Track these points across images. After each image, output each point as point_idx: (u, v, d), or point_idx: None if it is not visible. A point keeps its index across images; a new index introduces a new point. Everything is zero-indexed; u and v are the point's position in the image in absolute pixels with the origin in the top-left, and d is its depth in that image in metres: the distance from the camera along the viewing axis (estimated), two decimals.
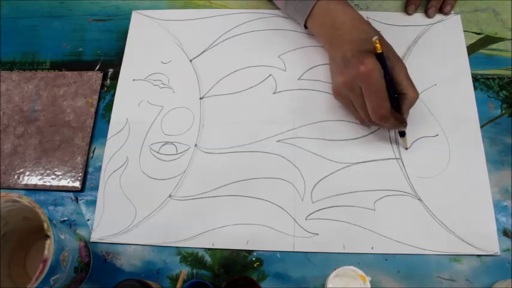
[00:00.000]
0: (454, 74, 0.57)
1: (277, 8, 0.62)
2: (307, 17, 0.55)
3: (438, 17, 0.61)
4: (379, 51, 0.46)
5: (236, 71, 0.59)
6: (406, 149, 0.53)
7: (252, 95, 0.58)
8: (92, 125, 0.58)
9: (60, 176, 0.55)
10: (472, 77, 0.57)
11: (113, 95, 0.60)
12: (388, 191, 0.52)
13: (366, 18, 0.61)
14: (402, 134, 0.53)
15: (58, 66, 0.63)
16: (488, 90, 0.57)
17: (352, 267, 0.45)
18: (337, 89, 0.52)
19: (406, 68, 0.50)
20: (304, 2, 0.54)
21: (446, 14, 0.61)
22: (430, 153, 0.53)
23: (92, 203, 0.54)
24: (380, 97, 0.47)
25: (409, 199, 0.51)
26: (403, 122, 0.50)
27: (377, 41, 0.46)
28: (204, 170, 0.54)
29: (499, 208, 0.51)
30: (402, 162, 0.53)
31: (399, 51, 0.58)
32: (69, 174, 0.55)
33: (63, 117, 0.59)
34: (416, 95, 0.49)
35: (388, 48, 0.50)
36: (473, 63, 0.58)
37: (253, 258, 0.50)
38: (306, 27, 0.57)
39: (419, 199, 0.51)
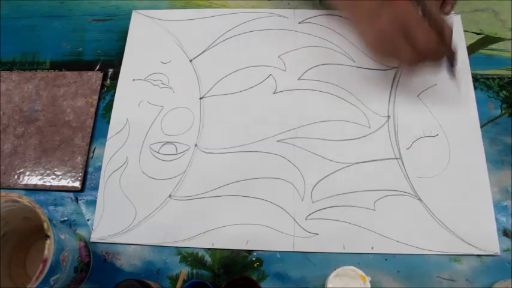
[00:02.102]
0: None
1: (276, 7, 0.62)
2: None
3: None
4: None
5: (236, 71, 0.59)
6: (459, 86, 0.52)
7: (252, 95, 0.58)
8: (92, 125, 0.58)
9: (60, 176, 0.55)
10: (472, 77, 0.57)
11: (113, 95, 0.60)
12: (388, 191, 0.52)
13: None
14: (452, 73, 0.51)
15: (58, 66, 0.63)
16: (488, 90, 0.57)
17: (352, 267, 0.45)
18: (376, 39, 0.50)
19: (434, 4, 0.49)
20: None
21: (446, 14, 0.61)
22: (430, 153, 0.53)
23: (92, 203, 0.54)
24: (424, 29, 0.46)
25: (409, 199, 0.51)
26: (452, 51, 0.49)
27: None
28: (204, 170, 0.54)
29: (499, 208, 0.51)
30: (402, 162, 0.53)
31: None
32: (69, 174, 0.55)
33: (63, 117, 0.59)
34: (451, 29, 0.48)
35: None
36: (473, 63, 0.58)
37: (253, 258, 0.50)
38: None
39: (419, 199, 0.51)
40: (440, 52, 0.48)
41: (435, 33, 0.47)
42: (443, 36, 0.48)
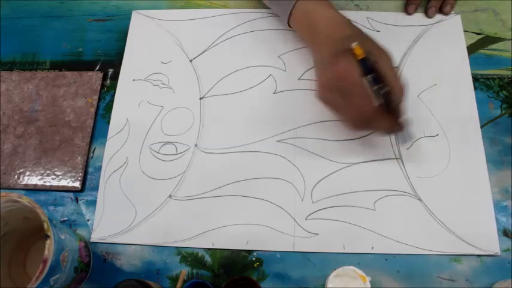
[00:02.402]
0: (454, 74, 0.57)
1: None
2: (288, 18, 0.54)
3: (438, 17, 0.61)
4: (360, 57, 0.43)
5: (236, 71, 0.59)
6: (407, 148, 0.53)
7: (252, 95, 0.58)
8: (92, 125, 0.58)
9: (60, 176, 0.55)
10: (472, 77, 0.57)
11: (113, 95, 0.60)
12: (388, 191, 0.52)
13: (366, 19, 0.61)
14: (403, 141, 0.51)
15: (58, 66, 0.63)
16: (488, 90, 0.57)
17: (352, 267, 0.45)
18: (318, 92, 0.48)
19: (391, 59, 0.46)
20: (284, 2, 0.53)
21: (446, 14, 0.61)
22: (430, 153, 0.53)
23: (92, 203, 0.54)
24: (359, 96, 0.44)
25: (409, 199, 0.51)
26: (396, 124, 0.46)
27: (356, 47, 0.43)
28: (204, 170, 0.54)
29: (499, 208, 0.51)
30: (402, 162, 0.53)
31: (399, 51, 0.59)
32: (69, 174, 0.55)
33: (63, 117, 0.59)
34: (401, 87, 0.45)
35: (370, 44, 0.46)
36: (473, 63, 0.58)
37: (253, 258, 0.50)
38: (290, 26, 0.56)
39: (419, 199, 0.51)
40: (375, 122, 0.46)
41: (372, 100, 0.44)
42: (390, 102, 0.45)
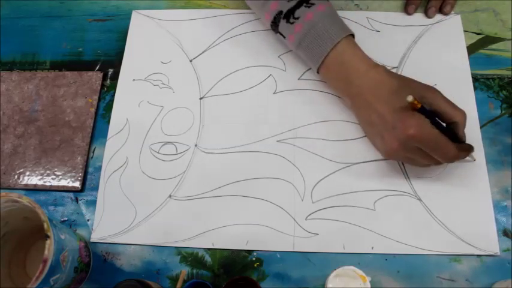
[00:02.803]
0: (454, 74, 0.57)
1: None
2: (319, 66, 0.52)
3: (438, 17, 0.61)
4: (418, 106, 0.44)
5: (236, 71, 0.59)
6: (474, 160, 0.51)
7: (252, 95, 0.58)
8: (92, 125, 0.58)
9: (60, 176, 0.55)
10: (472, 77, 0.57)
11: (113, 95, 0.60)
12: (388, 191, 0.52)
13: (366, 19, 0.61)
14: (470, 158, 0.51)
15: (58, 66, 0.63)
16: (488, 90, 0.57)
17: (352, 267, 0.45)
18: (389, 153, 0.48)
19: (439, 92, 0.47)
20: (316, 50, 0.50)
21: (446, 14, 0.61)
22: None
23: (92, 203, 0.54)
24: (442, 145, 0.44)
25: (409, 199, 0.51)
26: (469, 149, 0.48)
27: (414, 100, 0.43)
28: (204, 170, 0.54)
29: (499, 208, 0.51)
30: (402, 162, 0.53)
31: (399, 51, 0.59)
32: (69, 174, 0.55)
33: (63, 117, 0.59)
34: (463, 115, 0.46)
35: (416, 86, 0.47)
36: (473, 63, 0.58)
37: (253, 258, 0.50)
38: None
39: (419, 199, 0.51)
40: (460, 157, 0.47)
41: (451, 143, 0.45)
42: (457, 133, 0.47)
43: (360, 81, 0.49)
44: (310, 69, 0.58)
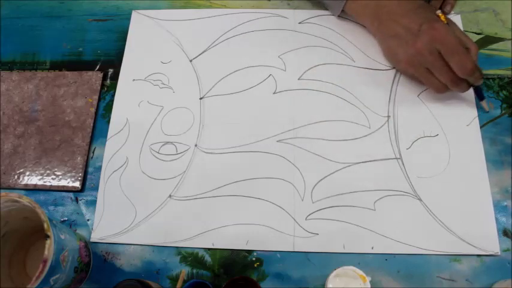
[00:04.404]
0: None
1: (277, 7, 0.63)
2: (346, 0, 0.57)
3: None
4: (445, 22, 0.50)
5: (236, 71, 0.59)
6: (488, 111, 0.55)
7: (252, 95, 0.58)
8: (92, 125, 0.58)
9: (60, 176, 0.55)
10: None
11: (113, 95, 0.60)
12: (388, 191, 0.52)
13: None
14: (482, 98, 0.54)
15: (58, 66, 0.63)
16: (488, 90, 0.57)
17: (352, 267, 0.45)
18: (411, 59, 0.52)
19: (458, 26, 0.53)
20: None
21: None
22: (430, 153, 0.53)
23: (92, 203, 0.54)
24: (462, 52, 0.49)
25: (409, 199, 0.51)
26: (482, 74, 0.51)
27: (441, 14, 0.51)
28: (204, 170, 0.54)
29: (499, 208, 0.51)
30: (402, 162, 0.53)
31: None
32: (69, 174, 0.55)
33: (63, 117, 0.59)
34: (476, 46, 0.51)
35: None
36: None
37: (253, 258, 0.50)
38: (342, 11, 0.59)
39: (419, 199, 0.51)
40: (476, 72, 0.50)
41: (470, 55, 0.49)
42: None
43: (387, 1, 0.54)
44: (310, 69, 0.58)
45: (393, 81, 0.57)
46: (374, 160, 0.53)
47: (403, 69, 0.56)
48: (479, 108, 0.55)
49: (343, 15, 0.60)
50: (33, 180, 0.55)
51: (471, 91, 0.55)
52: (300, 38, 0.61)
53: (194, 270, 0.50)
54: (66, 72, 0.62)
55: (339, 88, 0.57)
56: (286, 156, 0.54)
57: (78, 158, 0.56)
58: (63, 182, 0.55)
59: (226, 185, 0.53)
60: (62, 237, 0.44)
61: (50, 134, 0.58)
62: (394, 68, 0.58)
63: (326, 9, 0.61)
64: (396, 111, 0.56)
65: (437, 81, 0.52)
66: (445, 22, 0.50)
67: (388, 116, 0.56)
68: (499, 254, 0.49)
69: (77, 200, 0.55)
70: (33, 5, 0.67)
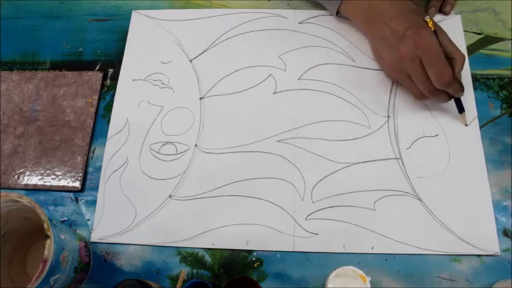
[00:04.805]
0: None
1: (277, 7, 0.63)
2: (341, 1, 0.57)
3: (438, 17, 0.61)
4: (433, 28, 0.49)
5: (236, 71, 0.59)
6: (466, 125, 0.54)
7: (252, 95, 0.58)
8: (92, 125, 0.58)
9: (60, 176, 0.55)
10: (472, 77, 0.57)
11: (113, 95, 0.60)
12: (388, 191, 0.52)
13: None
14: (461, 111, 0.53)
15: (58, 66, 0.63)
16: (488, 90, 0.57)
17: (352, 267, 0.45)
18: (393, 64, 0.53)
19: (447, 34, 0.52)
20: None
21: (446, 14, 0.61)
22: (430, 153, 0.53)
23: (92, 203, 0.54)
24: (442, 63, 0.48)
25: (409, 199, 0.51)
26: (462, 86, 0.51)
27: (429, 20, 0.50)
28: (204, 170, 0.54)
29: (499, 208, 0.51)
30: (402, 162, 0.53)
31: None
32: (69, 174, 0.55)
33: (63, 117, 0.59)
34: (463, 56, 0.51)
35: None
36: (473, 63, 0.58)
37: (253, 258, 0.50)
38: (337, 12, 0.59)
39: (419, 199, 0.51)
40: (453, 85, 0.49)
41: (449, 67, 0.49)
42: (454, 69, 0.50)
43: (379, 3, 0.53)
44: (310, 69, 0.58)
45: (393, 81, 0.57)
46: (374, 160, 0.53)
47: (387, 72, 0.56)
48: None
49: (340, 15, 0.60)
50: (33, 180, 0.55)
51: (470, 88, 0.56)
52: (300, 38, 0.61)
53: (194, 270, 0.50)
54: (66, 72, 0.62)
55: (339, 88, 0.57)
56: (286, 156, 0.54)
57: (78, 158, 0.56)
58: (63, 182, 0.55)
59: (226, 185, 0.53)
60: (62, 237, 0.44)
61: (50, 134, 0.58)
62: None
63: (325, 9, 0.61)
64: (396, 111, 0.56)
65: (417, 88, 0.52)
66: (433, 29, 0.49)
67: (388, 116, 0.56)
68: (499, 254, 0.49)
69: (77, 200, 0.55)
70: (33, 5, 0.67)
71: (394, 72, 0.54)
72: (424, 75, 0.50)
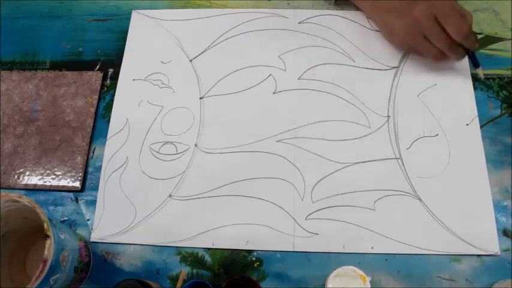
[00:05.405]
0: (454, 74, 0.57)
1: (277, 7, 0.63)
2: None
3: None
4: None
5: (236, 71, 0.59)
6: (482, 79, 0.56)
7: (252, 95, 0.58)
8: (92, 125, 0.58)
9: (60, 176, 0.55)
10: (472, 77, 0.57)
11: (113, 95, 0.60)
12: (388, 191, 0.52)
13: (366, 20, 0.62)
14: (476, 65, 0.54)
15: (58, 66, 0.63)
16: (488, 90, 0.57)
17: (352, 267, 0.45)
18: (407, 29, 0.53)
19: None
20: None
21: None
22: (430, 153, 0.53)
23: (92, 203, 0.54)
24: (458, 16, 0.50)
25: (409, 199, 0.51)
26: (477, 38, 0.52)
27: None
28: (204, 170, 0.54)
29: (499, 208, 0.51)
30: (402, 162, 0.53)
31: (399, 51, 0.59)
32: (69, 174, 0.55)
33: (63, 117, 0.59)
34: (470, 14, 0.51)
35: None
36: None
37: (253, 258, 0.50)
38: None
39: (419, 199, 0.51)
40: (471, 37, 0.51)
41: (465, 18, 0.50)
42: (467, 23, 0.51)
43: None
44: (310, 69, 0.58)
45: (393, 81, 0.57)
46: (374, 160, 0.53)
47: (401, 41, 0.56)
48: (474, 75, 0.56)
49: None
50: (33, 180, 0.55)
51: (470, 88, 0.55)
52: (300, 38, 0.61)
53: (194, 270, 0.50)
54: (66, 72, 0.62)
55: (339, 88, 0.57)
56: (286, 156, 0.54)
57: (78, 158, 0.56)
58: (63, 182, 0.55)
59: (226, 185, 0.53)
60: (62, 237, 0.44)
61: (50, 134, 0.58)
62: (394, 67, 0.58)
63: (324, 6, 0.61)
64: (396, 111, 0.56)
65: (435, 48, 0.53)
66: None
67: (388, 116, 0.56)
68: (499, 254, 0.49)
69: (77, 200, 0.55)
70: (33, 5, 0.67)
71: (409, 37, 0.54)
72: (441, 32, 0.51)
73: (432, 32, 0.51)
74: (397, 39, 0.57)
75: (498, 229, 0.49)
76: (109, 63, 0.62)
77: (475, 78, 0.57)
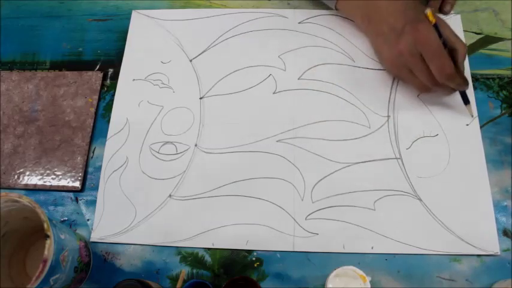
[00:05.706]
0: None
1: (277, 7, 0.63)
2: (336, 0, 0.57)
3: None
4: (434, 21, 0.48)
5: (236, 71, 0.59)
6: (472, 116, 0.54)
7: (252, 95, 0.58)
8: (92, 125, 0.58)
9: (60, 176, 0.55)
10: (472, 77, 0.57)
11: (113, 95, 0.60)
12: (388, 191, 0.52)
13: None
14: (466, 102, 0.53)
15: (58, 66, 0.63)
16: (488, 90, 0.57)
17: (352, 267, 0.45)
18: (393, 59, 0.53)
19: (448, 25, 0.51)
20: None
21: (446, 13, 0.61)
22: (430, 153, 0.53)
23: (92, 203, 0.54)
24: (443, 56, 0.48)
25: (409, 199, 0.51)
26: (465, 80, 0.51)
27: (429, 13, 0.49)
28: (204, 170, 0.54)
29: (499, 208, 0.51)
30: (402, 162, 0.53)
31: None
32: (69, 174, 0.55)
33: (63, 117, 0.59)
34: (465, 46, 0.50)
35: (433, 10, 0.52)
36: (473, 63, 0.58)
37: (253, 258, 0.50)
38: (335, 8, 0.59)
39: (419, 199, 0.51)
40: (455, 79, 0.49)
41: (451, 60, 0.49)
42: (457, 60, 0.50)
43: (379, 3, 0.53)
44: (310, 69, 0.58)
45: (393, 81, 0.57)
46: (374, 160, 0.53)
47: (387, 68, 0.56)
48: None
49: (339, 14, 0.60)
50: (33, 180, 0.55)
51: (469, 88, 0.55)
52: (300, 38, 0.61)
53: (194, 270, 0.50)
54: (66, 72, 0.62)
55: (339, 88, 0.57)
56: (286, 156, 0.54)
57: (78, 158, 0.56)
58: (63, 182, 0.55)
59: (226, 185, 0.53)
60: (62, 237, 0.44)
61: (50, 134, 0.58)
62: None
63: (325, 8, 0.61)
64: (396, 111, 0.56)
65: (420, 81, 0.52)
66: (434, 22, 0.49)
67: (388, 116, 0.56)
68: (499, 254, 0.48)
69: (77, 200, 0.55)
70: (33, 5, 0.67)
71: (394, 68, 0.54)
72: (426, 69, 0.50)
73: (416, 68, 0.50)
74: (384, 66, 0.57)
75: (498, 229, 0.49)
76: (109, 63, 0.62)
77: (475, 78, 0.57)
